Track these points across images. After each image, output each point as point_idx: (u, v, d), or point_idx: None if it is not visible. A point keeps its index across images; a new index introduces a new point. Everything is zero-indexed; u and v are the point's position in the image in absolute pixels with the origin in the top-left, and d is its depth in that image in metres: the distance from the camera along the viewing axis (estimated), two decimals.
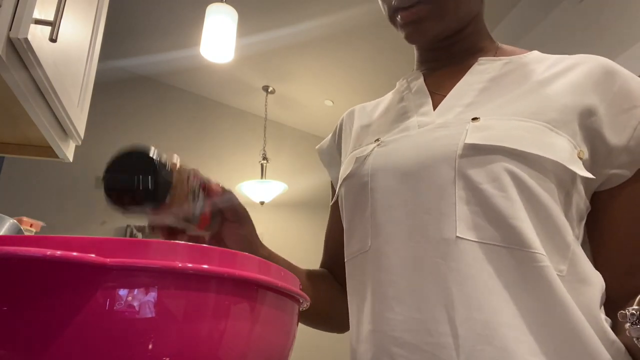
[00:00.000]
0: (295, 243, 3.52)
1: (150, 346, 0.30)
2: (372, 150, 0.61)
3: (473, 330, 0.47)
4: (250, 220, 0.66)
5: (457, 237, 0.50)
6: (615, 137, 0.52)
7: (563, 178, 0.51)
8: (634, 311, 0.40)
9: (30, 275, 0.29)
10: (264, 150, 3.52)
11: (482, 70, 0.61)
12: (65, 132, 1.21)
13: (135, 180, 0.49)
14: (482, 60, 0.62)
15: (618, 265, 0.53)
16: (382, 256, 0.55)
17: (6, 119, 1.10)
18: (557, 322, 0.46)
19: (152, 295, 0.30)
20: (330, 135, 0.80)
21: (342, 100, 3.58)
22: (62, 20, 0.88)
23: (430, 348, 0.48)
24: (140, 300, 0.30)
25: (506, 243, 0.48)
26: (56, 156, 1.27)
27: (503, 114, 0.54)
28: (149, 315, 0.30)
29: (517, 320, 0.47)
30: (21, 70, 0.89)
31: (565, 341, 0.46)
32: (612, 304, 0.52)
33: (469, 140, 0.52)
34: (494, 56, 0.63)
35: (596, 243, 0.55)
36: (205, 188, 0.60)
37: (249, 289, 0.35)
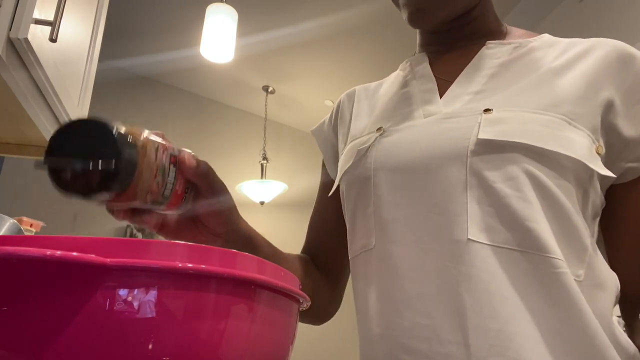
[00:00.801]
0: (295, 243, 3.51)
1: (150, 346, 0.30)
2: (375, 140, 0.57)
3: (485, 340, 0.44)
4: (228, 194, 0.54)
5: (469, 239, 0.46)
6: (631, 128, 0.49)
7: (582, 176, 0.47)
8: None
9: (30, 275, 0.29)
10: (264, 150, 3.52)
11: (491, 54, 0.57)
12: None
13: (90, 160, 0.38)
14: (490, 44, 0.58)
15: (635, 260, 0.51)
16: (388, 257, 0.52)
17: (6, 118, 1.10)
18: (574, 332, 0.44)
19: (152, 295, 0.30)
20: (327, 116, 0.74)
21: None
22: (62, 20, 0.88)
23: (440, 357, 0.45)
24: (140, 300, 0.30)
25: (521, 247, 0.45)
26: None
27: (516, 105, 0.50)
28: (149, 315, 0.30)
29: (532, 330, 0.44)
30: (21, 70, 0.89)
31: (583, 352, 0.44)
32: (628, 301, 0.50)
33: (482, 136, 0.48)
34: (503, 40, 0.59)
35: (611, 239, 0.53)
36: (177, 162, 0.50)
37: (249, 289, 0.35)
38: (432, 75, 0.59)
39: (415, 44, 0.69)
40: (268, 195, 3.33)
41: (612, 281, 0.50)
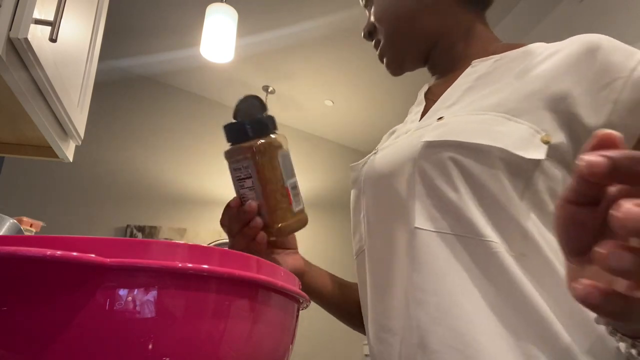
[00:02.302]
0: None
1: (150, 346, 0.30)
2: (368, 159, 0.68)
3: (424, 312, 0.51)
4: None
5: (416, 227, 0.54)
6: (594, 116, 0.51)
7: (518, 164, 0.51)
8: None
9: (30, 275, 0.29)
10: None
11: (473, 71, 0.64)
12: (65, 132, 1.21)
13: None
14: (475, 62, 0.65)
15: None
16: (373, 252, 0.62)
17: (6, 119, 1.10)
18: (512, 304, 0.48)
19: (152, 295, 0.30)
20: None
21: (342, 100, 3.58)
22: (62, 20, 0.88)
23: (399, 330, 0.54)
24: (140, 300, 0.30)
25: (458, 232, 0.52)
26: (56, 156, 1.27)
27: (469, 110, 0.57)
28: (149, 315, 0.30)
29: (470, 303, 0.49)
30: (21, 70, 0.89)
31: (523, 321, 0.48)
32: None
33: (426, 139, 0.56)
34: (487, 56, 0.65)
35: None
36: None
37: (248, 289, 0.35)
38: (424, 99, 0.71)
39: None
40: None
41: None
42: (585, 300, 0.26)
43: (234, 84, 3.56)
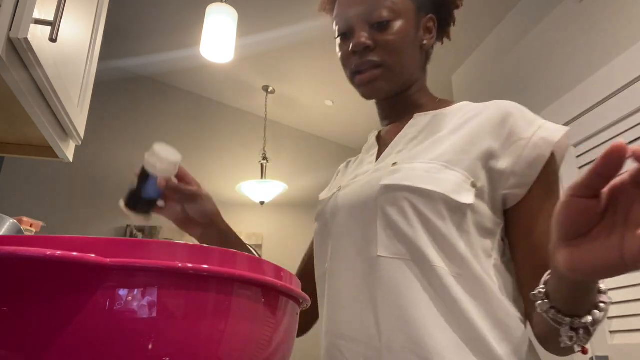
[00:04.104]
0: (295, 243, 3.52)
1: (150, 346, 0.30)
2: (333, 194, 0.79)
3: (390, 323, 0.63)
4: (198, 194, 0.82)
5: (378, 255, 0.66)
6: (504, 164, 0.67)
7: (453, 204, 0.65)
8: (541, 290, 0.53)
9: (30, 275, 0.29)
10: (264, 150, 3.52)
11: (415, 123, 0.78)
12: (65, 132, 1.21)
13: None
14: (416, 115, 0.80)
15: (526, 266, 0.67)
16: (336, 274, 0.72)
17: (6, 119, 1.10)
18: (453, 314, 0.62)
19: (152, 295, 0.30)
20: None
21: (342, 100, 3.58)
22: (62, 20, 0.88)
23: (362, 338, 0.65)
24: (140, 300, 0.30)
25: (412, 257, 0.64)
26: (56, 156, 1.27)
27: (414, 158, 0.70)
28: (149, 315, 0.30)
29: (422, 314, 0.62)
30: (21, 70, 0.89)
31: (461, 327, 0.61)
32: (526, 300, 0.66)
33: (383, 182, 0.68)
34: (430, 111, 0.79)
35: (513, 250, 0.69)
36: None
37: (248, 289, 0.35)
38: (376, 144, 0.84)
39: None
40: (268, 195, 3.32)
41: (502, 276, 0.68)
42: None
43: (234, 84, 3.56)
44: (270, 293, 0.37)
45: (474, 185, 0.66)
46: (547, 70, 2.10)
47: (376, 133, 0.88)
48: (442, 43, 0.88)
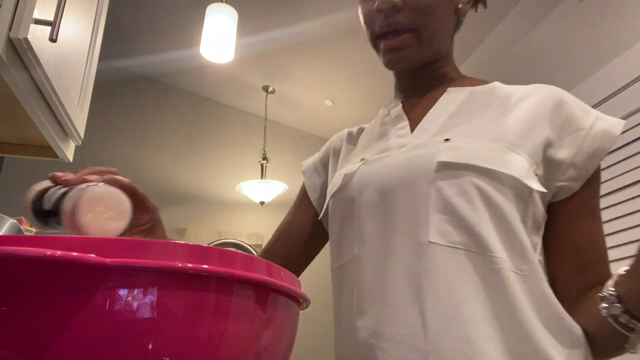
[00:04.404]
0: None
1: (150, 346, 0.30)
2: (358, 168, 0.68)
3: (439, 321, 0.55)
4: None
5: (430, 241, 0.58)
6: (563, 154, 0.61)
7: (520, 191, 0.58)
8: (611, 292, 0.49)
9: (30, 275, 0.29)
10: (264, 150, 3.51)
11: (451, 98, 0.70)
12: (65, 132, 1.21)
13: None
14: (450, 89, 0.72)
15: (567, 266, 0.61)
16: (368, 262, 0.63)
17: (6, 119, 1.10)
18: (508, 316, 0.54)
19: (152, 295, 0.30)
20: (318, 152, 0.88)
21: (342, 100, 3.58)
22: (62, 20, 0.88)
23: (402, 338, 0.56)
24: (140, 300, 0.30)
25: (471, 247, 0.57)
26: (56, 156, 1.27)
27: (470, 135, 0.63)
28: (149, 315, 0.30)
29: (477, 313, 0.54)
30: (21, 70, 0.89)
31: (515, 333, 0.54)
32: (562, 301, 0.59)
33: (442, 159, 0.60)
34: (461, 86, 0.72)
35: (551, 247, 0.63)
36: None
37: (248, 289, 0.35)
38: (405, 116, 0.73)
39: None
40: (268, 195, 3.32)
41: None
42: None
43: (234, 84, 3.56)
44: (271, 293, 0.37)
45: (536, 173, 0.60)
46: (546, 70, 2.10)
47: (398, 103, 0.76)
48: (476, 10, 0.77)
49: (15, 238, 0.30)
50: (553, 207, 0.63)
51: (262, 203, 3.36)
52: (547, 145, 0.61)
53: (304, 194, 0.85)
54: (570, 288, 0.60)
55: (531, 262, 0.57)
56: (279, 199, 3.55)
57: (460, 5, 0.72)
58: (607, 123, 0.62)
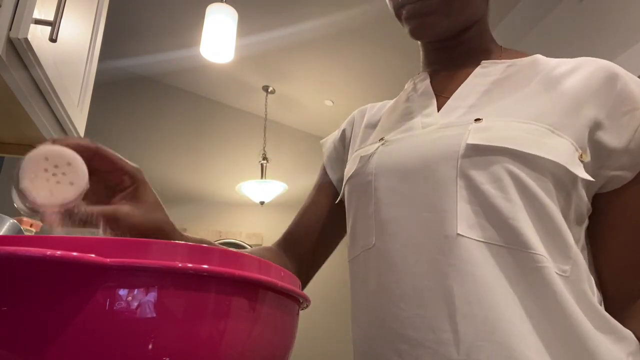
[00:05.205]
0: None
1: (150, 346, 0.30)
2: (377, 149, 0.62)
3: (472, 326, 0.48)
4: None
5: (458, 234, 0.50)
6: (615, 139, 0.53)
7: (562, 179, 0.51)
8: None
9: (30, 275, 0.29)
10: (264, 150, 3.52)
11: (485, 73, 0.62)
12: (65, 132, 1.21)
13: None
14: (485, 63, 0.63)
15: (619, 264, 0.54)
16: (387, 254, 0.56)
17: (6, 119, 1.10)
18: (556, 321, 0.48)
19: (152, 295, 0.30)
20: (338, 129, 0.81)
21: (342, 100, 3.58)
22: (62, 20, 0.88)
23: (431, 344, 0.49)
24: (140, 300, 0.29)
25: (506, 243, 0.49)
26: None
27: (505, 115, 0.54)
28: (149, 315, 0.30)
29: (516, 317, 0.47)
30: (21, 70, 0.89)
31: (564, 341, 0.47)
32: (612, 302, 0.54)
33: (470, 141, 0.52)
34: (497, 59, 0.64)
35: (597, 243, 0.56)
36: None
37: (249, 289, 0.35)
38: (432, 92, 0.64)
39: (413, 49, 0.73)
40: (268, 195, 3.32)
41: (594, 281, 0.54)
42: None
43: (234, 84, 3.56)
44: (270, 293, 0.37)
45: (581, 159, 0.52)
46: None
47: (426, 78, 0.68)
48: None
49: (15, 238, 0.30)
50: (601, 199, 0.55)
51: (262, 203, 3.36)
52: (596, 127, 0.53)
53: (324, 174, 0.79)
54: (623, 291, 0.54)
55: (574, 262, 0.50)
56: (279, 199, 3.55)
57: None
58: None
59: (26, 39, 0.83)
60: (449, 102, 0.61)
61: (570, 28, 2.00)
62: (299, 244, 0.75)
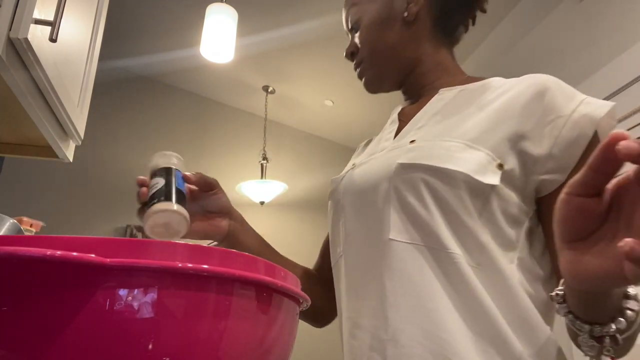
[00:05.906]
0: (295, 243, 3.52)
1: (150, 346, 0.30)
2: (347, 173, 0.74)
3: (398, 313, 0.58)
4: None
5: (390, 239, 0.61)
6: (538, 147, 0.59)
7: (478, 186, 0.58)
8: (559, 292, 0.47)
9: (30, 276, 0.29)
10: (264, 150, 3.51)
11: (440, 99, 0.72)
12: (65, 132, 1.21)
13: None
14: (441, 90, 0.73)
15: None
16: (349, 259, 0.68)
17: (6, 119, 1.10)
18: (470, 305, 0.56)
19: (152, 295, 0.30)
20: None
21: (342, 100, 3.58)
22: (62, 20, 0.88)
23: (371, 328, 0.61)
24: (140, 300, 0.30)
25: (428, 244, 0.59)
26: (56, 156, 1.27)
27: (437, 135, 0.64)
28: (149, 315, 0.30)
29: (438, 305, 0.56)
30: (21, 70, 0.89)
31: (480, 324, 0.55)
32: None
33: (400, 160, 0.63)
34: (454, 85, 0.73)
35: (547, 241, 0.62)
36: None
37: (248, 289, 0.35)
38: (397, 120, 0.78)
39: None
40: (268, 195, 3.32)
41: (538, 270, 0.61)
42: (631, 254, 0.29)
43: (234, 84, 3.56)
44: (270, 293, 0.37)
45: (500, 167, 0.59)
46: (546, 70, 2.10)
47: (399, 108, 0.82)
48: (466, 30, 0.80)
49: (15, 238, 0.30)
50: (542, 202, 0.61)
51: (262, 203, 3.36)
52: (519, 138, 0.60)
53: None
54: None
55: (489, 257, 0.58)
56: (279, 199, 3.54)
57: (406, 14, 0.75)
58: (590, 107, 0.59)
59: (26, 39, 0.83)
60: (405, 127, 0.72)
61: (570, 28, 2.00)
62: (326, 267, 0.81)
